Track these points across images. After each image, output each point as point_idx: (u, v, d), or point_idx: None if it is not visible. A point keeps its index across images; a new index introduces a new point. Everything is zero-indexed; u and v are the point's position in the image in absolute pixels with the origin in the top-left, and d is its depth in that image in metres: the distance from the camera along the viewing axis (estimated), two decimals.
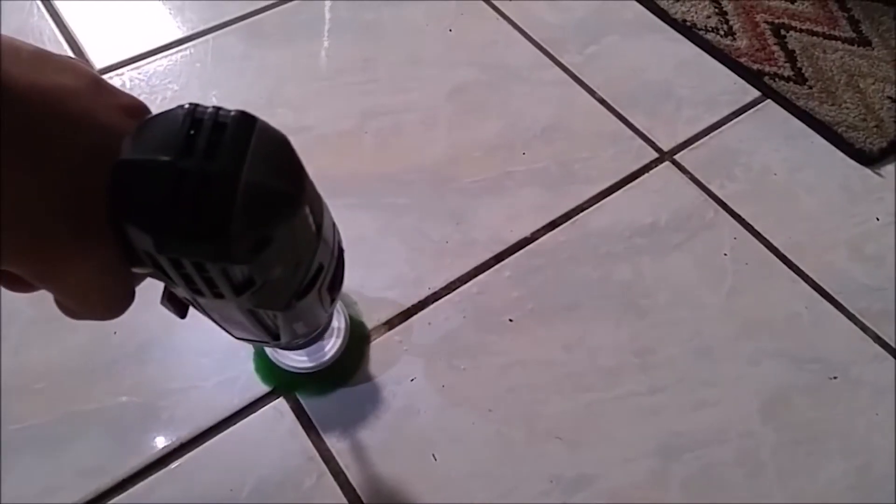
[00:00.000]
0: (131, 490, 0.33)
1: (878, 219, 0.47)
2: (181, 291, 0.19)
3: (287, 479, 0.35)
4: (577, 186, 0.46)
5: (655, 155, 0.48)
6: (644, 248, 0.44)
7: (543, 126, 0.49)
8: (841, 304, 0.43)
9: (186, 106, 0.16)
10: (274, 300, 0.19)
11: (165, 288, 0.20)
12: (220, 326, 0.24)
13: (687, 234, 0.45)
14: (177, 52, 0.51)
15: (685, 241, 0.45)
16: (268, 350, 0.37)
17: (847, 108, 0.50)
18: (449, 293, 0.41)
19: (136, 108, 0.18)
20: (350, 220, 0.40)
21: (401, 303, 0.41)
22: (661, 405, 0.39)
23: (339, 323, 0.39)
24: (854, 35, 0.55)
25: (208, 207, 0.15)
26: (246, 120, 0.16)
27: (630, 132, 0.49)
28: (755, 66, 0.52)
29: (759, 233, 0.46)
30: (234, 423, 0.36)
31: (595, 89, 0.51)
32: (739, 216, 0.46)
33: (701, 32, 0.54)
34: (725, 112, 0.51)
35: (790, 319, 0.43)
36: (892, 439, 0.38)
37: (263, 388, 0.37)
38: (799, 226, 0.47)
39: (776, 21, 0.55)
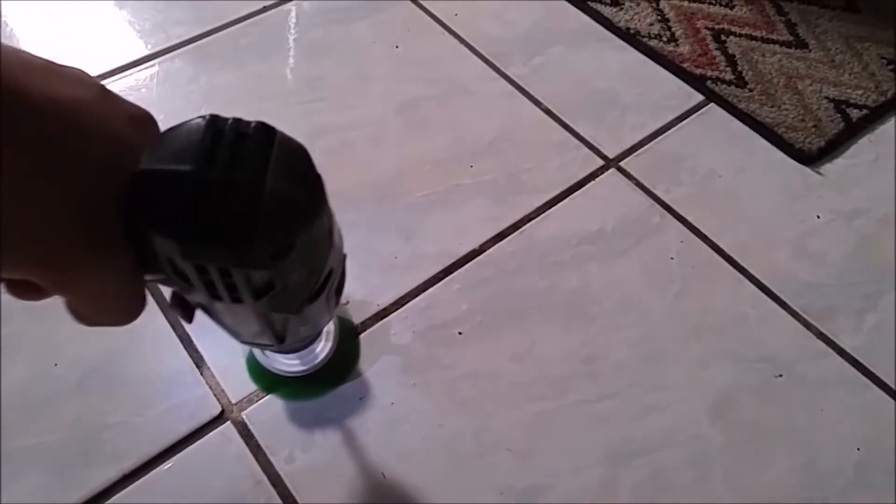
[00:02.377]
0: None
1: (818, 216, 0.48)
2: (196, 297, 0.19)
3: None
4: (524, 197, 0.46)
5: (601, 162, 0.48)
6: (591, 255, 0.44)
7: (491, 138, 0.48)
8: (785, 303, 0.43)
9: (206, 116, 0.16)
10: (289, 304, 0.20)
11: (174, 293, 0.21)
12: (227, 330, 0.23)
13: (634, 239, 0.45)
14: (124, 76, 0.50)
15: (632, 247, 0.45)
16: (258, 356, 0.37)
17: (786, 110, 0.51)
18: (398, 308, 0.41)
19: (142, 118, 0.18)
20: None
21: (350, 321, 0.40)
22: (610, 412, 0.39)
23: (329, 327, 0.38)
24: (791, 38, 0.55)
25: (234, 215, 0.15)
26: (266, 130, 0.16)
27: (576, 141, 0.49)
28: (698, 71, 0.52)
29: (705, 235, 0.46)
30: (180, 451, 0.35)
31: (541, 100, 0.51)
32: (685, 219, 0.46)
33: (644, 39, 0.54)
34: (670, 117, 0.51)
35: (737, 320, 0.43)
36: (835, 434, 0.38)
37: (210, 413, 0.36)
38: (743, 226, 0.47)
39: (716, 27, 0.55)
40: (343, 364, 0.39)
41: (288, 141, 0.17)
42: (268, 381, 0.37)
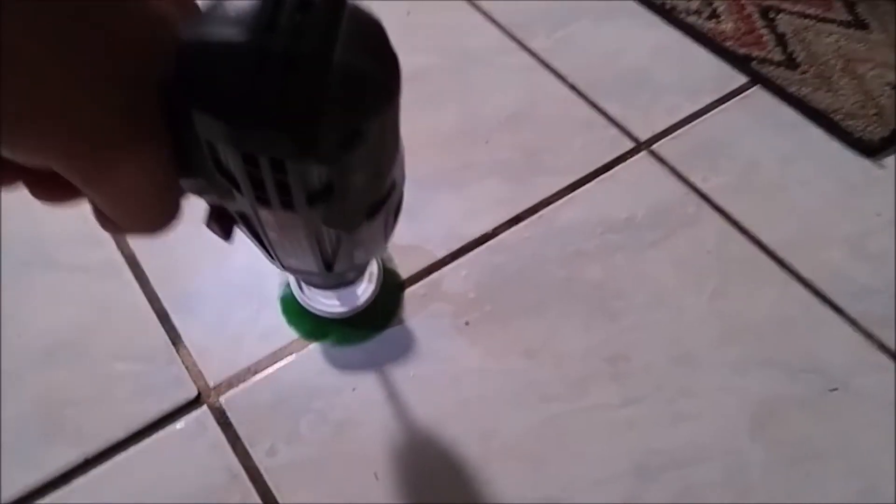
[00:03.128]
0: None
1: (879, 214, 0.42)
2: (239, 204, 0.16)
3: (208, 499, 0.30)
4: (544, 178, 0.42)
5: (631, 145, 0.44)
6: (618, 244, 0.40)
7: (508, 114, 0.44)
8: (839, 308, 0.38)
9: None
10: (346, 217, 0.17)
11: (213, 207, 0.18)
12: (268, 252, 0.20)
13: (666, 230, 0.41)
14: None
15: (664, 238, 0.40)
16: (297, 294, 0.34)
17: (844, 95, 0.46)
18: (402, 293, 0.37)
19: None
20: None
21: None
22: (635, 418, 0.34)
23: (372, 268, 0.36)
24: (850, 18, 0.50)
25: (296, 92, 0.13)
26: None
27: (603, 120, 0.45)
28: (742, 51, 0.47)
29: (746, 230, 0.41)
30: (149, 436, 0.31)
31: (565, 76, 0.47)
32: (724, 211, 0.42)
33: (682, 16, 0.49)
34: (708, 100, 0.46)
35: (782, 324, 0.38)
36: None
37: (185, 397, 0.33)
38: (791, 222, 0.42)
39: (764, 3, 0.50)
40: (384, 311, 0.36)
41: (360, 10, 0.14)
42: (301, 320, 0.35)
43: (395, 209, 0.20)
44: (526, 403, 0.34)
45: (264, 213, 0.16)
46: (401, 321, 0.36)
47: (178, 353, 0.34)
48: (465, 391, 0.34)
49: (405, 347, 0.35)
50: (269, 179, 0.14)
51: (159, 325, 0.35)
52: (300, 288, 0.35)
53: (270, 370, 0.34)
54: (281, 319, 0.36)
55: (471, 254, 0.39)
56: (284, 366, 0.34)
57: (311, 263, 0.21)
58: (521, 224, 0.40)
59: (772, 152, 0.44)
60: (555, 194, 0.41)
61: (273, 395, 0.33)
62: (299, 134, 0.13)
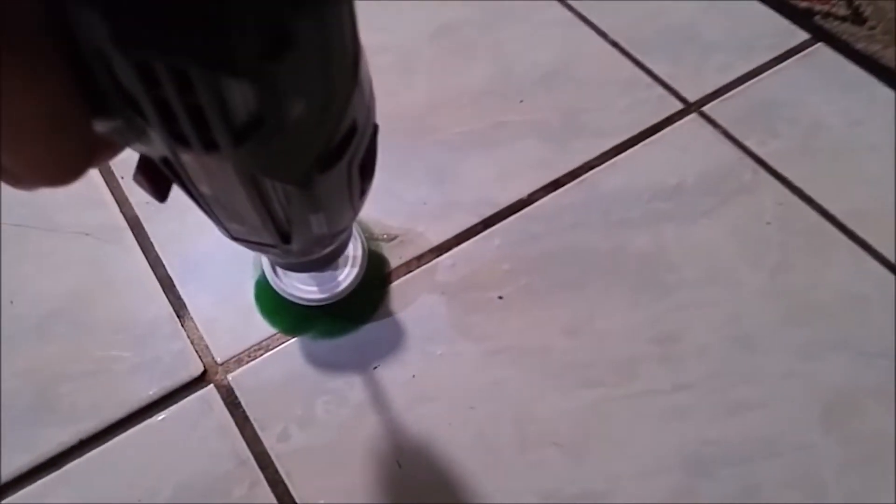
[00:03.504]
0: (15, 495, 0.26)
1: None
2: (158, 147, 0.13)
3: (212, 487, 0.27)
4: (584, 140, 0.38)
5: (680, 106, 0.39)
6: (667, 213, 0.36)
7: (544, 71, 0.40)
8: None
9: None
10: (288, 163, 0.13)
11: (141, 158, 0.15)
12: (212, 216, 0.17)
13: (720, 197, 0.36)
14: None
15: (717, 207, 0.36)
16: (271, 279, 0.30)
17: None
18: (424, 264, 0.33)
19: None
20: None
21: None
22: (687, 406, 0.30)
23: (354, 251, 0.32)
24: None
25: None
26: None
27: (648, 79, 0.40)
28: (802, 5, 0.43)
29: (810, 198, 0.37)
30: (150, 416, 0.28)
31: (605, 31, 0.42)
32: (785, 178, 0.37)
33: None
34: (765, 58, 0.42)
35: (853, 303, 0.33)
36: None
37: (189, 374, 0.29)
38: (861, 190, 0.37)
39: None
40: (368, 299, 0.32)
41: None
42: (275, 308, 0.31)
43: (363, 162, 0.16)
44: (565, 387, 0.30)
45: (187, 159, 0.13)
46: (392, 312, 0.32)
47: (183, 326, 0.31)
48: (497, 372, 0.30)
49: (432, 323, 0.31)
50: (177, 104, 0.11)
51: (163, 294, 0.31)
52: (274, 271, 0.31)
53: (284, 346, 0.30)
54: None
55: (504, 222, 0.35)
56: (299, 341, 0.31)
57: (262, 232, 0.17)
58: (560, 190, 0.36)
59: (837, 114, 0.40)
60: (597, 158, 0.37)
61: (287, 374, 0.30)
62: (201, 30, 0.09)
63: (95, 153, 0.13)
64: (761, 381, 0.31)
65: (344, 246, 0.26)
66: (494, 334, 0.31)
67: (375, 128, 0.16)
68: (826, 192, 0.37)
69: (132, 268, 0.32)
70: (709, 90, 0.40)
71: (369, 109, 0.15)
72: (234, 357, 0.30)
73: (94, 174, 0.34)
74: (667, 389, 0.31)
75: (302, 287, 0.31)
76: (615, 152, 0.37)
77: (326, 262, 0.25)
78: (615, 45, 0.41)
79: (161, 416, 0.28)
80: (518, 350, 0.31)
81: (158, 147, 0.13)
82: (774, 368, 0.32)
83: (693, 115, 0.39)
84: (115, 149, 0.13)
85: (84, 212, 0.33)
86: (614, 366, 0.31)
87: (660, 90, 0.40)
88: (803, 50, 0.42)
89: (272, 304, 0.31)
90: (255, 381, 0.29)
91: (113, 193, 0.34)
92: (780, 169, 0.37)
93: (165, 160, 0.14)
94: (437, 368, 0.30)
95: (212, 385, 0.29)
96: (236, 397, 0.29)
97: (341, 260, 0.31)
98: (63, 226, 0.33)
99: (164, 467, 0.27)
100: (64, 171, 0.12)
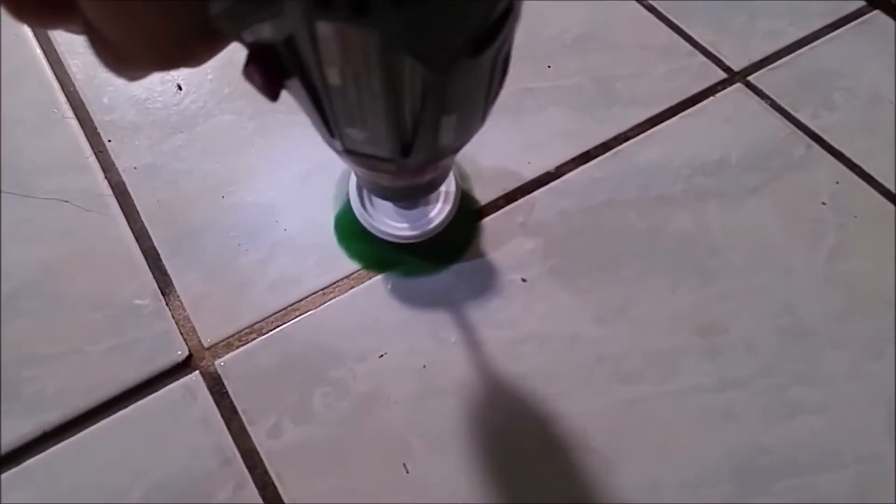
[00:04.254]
0: None
1: None
2: (287, 23, 0.11)
3: (192, 488, 0.23)
4: (619, 109, 0.33)
5: (723, 75, 0.35)
6: (710, 190, 0.31)
7: (575, 35, 0.36)
8: None
9: None
10: (441, 40, 0.12)
11: (253, 47, 0.13)
12: (327, 120, 0.15)
13: (769, 174, 0.32)
14: None
15: (766, 184, 0.32)
16: (359, 213, 0.27)
17: None
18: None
19: None
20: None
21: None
22: (737, 407, 0.26)
23: (447, 186, 0.29)
24: None
25: None
26: None
27: (688, 46, 0.36)
28: None
29: (871, 176, 0.32)
30: (125, 406, 0.24)
31: None
32: (842, 154, 0.33)
33: None
34: (817, 25, 0.37)
35: None
36: None
37: (172, 358, 0.25)
38: None
39: None
40: (460, 238, 0.29)
41: None
42: (358, 243, 0.28)
43: (506, 56, 0.14)
44: (598, 382, 0.26)
45: (326, 32, 0.11)
46: (483, 252, 0.28)
47: (168, 305, 0.27)
48: (521, 364, 0.26)
49: (446, 308, 0.27)
50: None
51: (147, 268, 0.27)
52: (362, 204, 0.28)
53: (279, 329, 0.26)
54: (336, 244, 0.28)
55: (530, 196, 0.30)
56: (297, 324, 0.26)
57: (383, 136, 0.15)
58: (592, 162, 0.32)
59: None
60: (632, 129, 0.33)
61: (281, 361, 0.26)
62: None
63: (208, 38, 0.12)
64: (820, 381, 0.27)
65: (446, 173, 0.23)
66: (517, 320, 0.27)
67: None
68: (888, 169, 0.32)
69: (114, 239, 0.28)
70: (756, 58, 0.36)
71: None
72: (223, 341, 0.26)
73: (77, 135, 0.31)
74: (713, 387, 0.26)
75: (391, 223, 0.28)
76: (652, 123, 0.33)
77: (428, 190, 0.22)
78: (651, 9, 0.37)
79: (138, 405, 0.24)
80: (543, 339, 0.27)
81: (288, 21, 0.11)
82: (835, 366, 0.27)
83: (738, 85, 0.35)
84: (223, 40, 0.12)
85: (64, 176, 0.29)
86: (652, 359, 0.27)
87: (700, 58, 0.35)
88: (859, 17, 0.37)
89: (356, 238, 0.28)
90: (246, 368, 0.25)
91: (98, 157, 0.31)
92: (836, 144, 0.33)
93: (290, 42, 0.12)
94: (453, 358, 0.26)
95: (197, 371, 0.25)
96: (224, 386, 0.25)
97: (433, 196, 0.28)
98: (40, 190, 0.29)
99: (138, 464, 0.23)
100: (175, 47, 0.11)
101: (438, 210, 0.28)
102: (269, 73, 0.13)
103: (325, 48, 0.12)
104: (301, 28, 0.11)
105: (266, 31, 0.12)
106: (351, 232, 0.29)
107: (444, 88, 0.13)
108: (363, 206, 0.28)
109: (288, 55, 0.12)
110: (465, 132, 0.16)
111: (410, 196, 0.23)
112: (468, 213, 0.30)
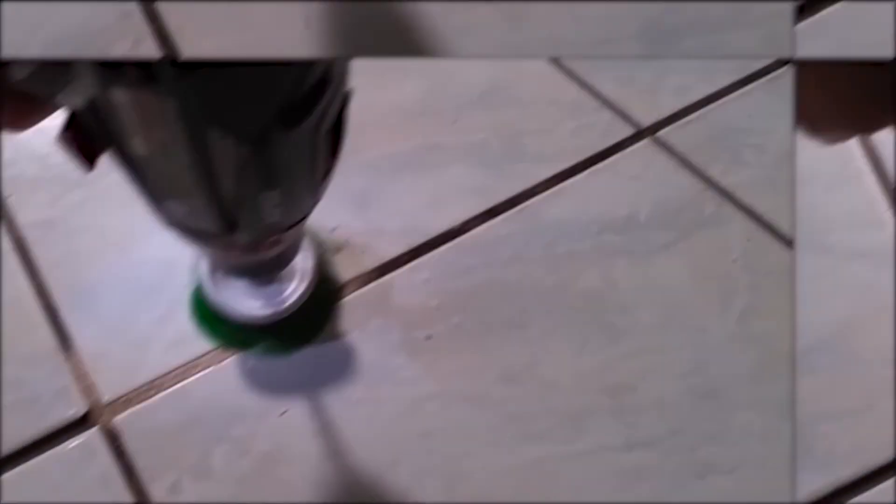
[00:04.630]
0: None
1: None
2: (86, 88, 0.15)
3: None
4: (526, 165, 0.50)
5: (631, 130, 0.52)
6: (619, 247, 0.47)
7: (482, 90, 0.53)
8: None
9: None
10: (245, 109, 0.16)
11: (70, 115, 0.17)
12: (146, 191, 0.20)
13: (679, 231, 0.48)
14: None
15: (676, 241, 0.48)
16: (209, 289, 0.38)
17: None
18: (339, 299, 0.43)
19: None
20: None
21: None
22: (646, 466, 0.39)
23: (303, 263, 0.40)
24: None
25: None
26: None
27: (595, 102, 0.53)
28: None
29: (782, 234, 0.49)
30: (21, 463, 0.36)
31: None
32: (752, 211, 0.50)
33: None
34: (726, 81, 0.55)
35: None
36: None
37: (71, 414, 0.37)
38: None
39: None
40: (317, 318, 0.41)
41: None
42: (215, 324, 0.40)
43: (337, 127, 0.19)
44: (504, 441, 0.39)
45: (119, 97, 0.15)
46: (341, 333, 0.42)
47: (67, 360, 0.39)
48: (424, 422, 0.39)
49: (348, 365, 0.40)
50: None
51: (46, 323, 0.40)
52: (212, 281, 0.40)
53: (179, 385, 0.39)
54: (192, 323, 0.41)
55: (434, 252, 0.45)
56: (197, 381, 0.39)
57: (202, 211, 0.20)
58: (498, 218, 0.47)
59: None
60: (539, 184, 0.49)
61: (181, 418, 0.38)
62: None
63: (24, 102, 0.15)
64: (730, 442, 0.40)
65: (296, 247, 0.34)
66: (421, 379, 0.41)
67: (348, 94, 0.20)
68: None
69: (13, 292, 0.41)
70: (665, 113, 0.53)
71: (344, 68, 0.19)
72: (122, 397, 0.38)
73: None
74: (621, 446, 0.40)
75: (243, 301, 0.39)
76: (559, 179, 0.49)
77: (279, 266, 0.33)
78: (559, 65, 0.55)
79: (34, 462, 0.36)
80: (448, 398, 0.40)
81: (87, 86, 0.15)
82: (745, 427, 0.41)
83: (646, 141, 0.52)
84: (33, 106, 0.16)
85: None
86: (560, 418, 0.40)
87: (608, 113, 0.53)
88: (769, 73, 0.57)
89: (210, 318, 0.40)
90: (146, 424, 0.37)
91: None
92: (747, 201, 0.50)
93: (94, 108, 0.16)
94: (355, 417, 0.39)
95: (95, 428, 0.37)
96: (122, 443, 0.37)
97: (287, 272, 0.40)
98: None
99: None
100: None
101: (293, 288, 0.41)
102: (84, 141, 0.17)
103: (125, 116, 0.16)
104: (99, 94, 0.15)
105: (71, 97, 0.16)
106: (205, 310, 0.41)
107: (260, 162, 0.18)
108: (213, 283, 0.40)
109: (95, 122, 0.16)
110: (294, 209, 0.22)
111: (259, 273, 0.35)
112: (328, 291, 0.43)
